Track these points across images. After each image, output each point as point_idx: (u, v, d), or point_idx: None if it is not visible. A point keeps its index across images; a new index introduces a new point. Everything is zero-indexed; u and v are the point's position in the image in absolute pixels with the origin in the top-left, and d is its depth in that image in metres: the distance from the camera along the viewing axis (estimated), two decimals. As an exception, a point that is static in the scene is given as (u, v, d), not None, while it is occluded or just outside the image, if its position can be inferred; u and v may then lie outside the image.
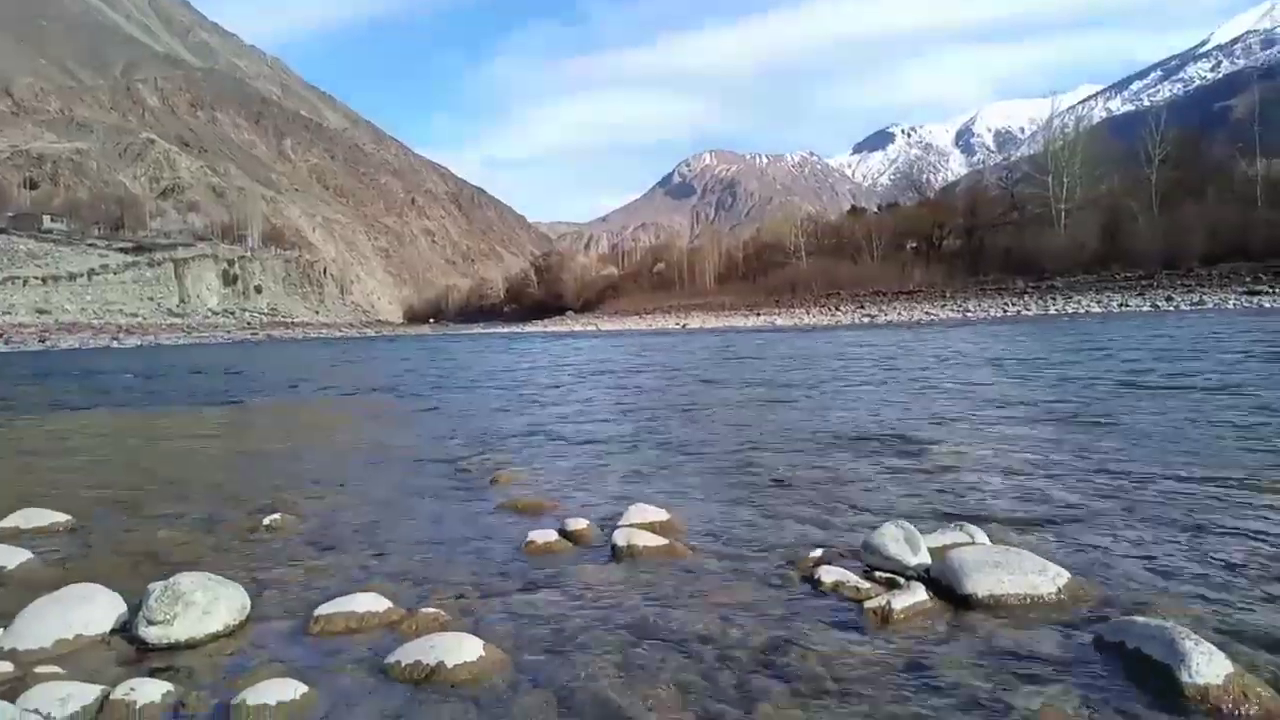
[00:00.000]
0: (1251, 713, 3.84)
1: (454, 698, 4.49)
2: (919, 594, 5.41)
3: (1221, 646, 4.27)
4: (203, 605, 5.37)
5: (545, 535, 7.41)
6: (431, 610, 5.66)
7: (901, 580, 5.71)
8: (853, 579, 5.86)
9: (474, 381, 28.58)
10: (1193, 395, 14.70)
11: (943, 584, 5.59)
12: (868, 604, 5.33)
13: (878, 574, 5.94)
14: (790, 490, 8.99)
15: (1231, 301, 59.13)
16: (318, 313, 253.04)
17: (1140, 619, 4.61)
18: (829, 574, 5.94)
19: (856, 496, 8.50)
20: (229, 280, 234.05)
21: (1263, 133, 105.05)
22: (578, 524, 7.70)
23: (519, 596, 6.07)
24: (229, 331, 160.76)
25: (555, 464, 11.46)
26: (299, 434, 16.66)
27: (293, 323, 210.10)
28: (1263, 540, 6.31)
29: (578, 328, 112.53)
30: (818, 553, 6.48)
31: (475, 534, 7.94)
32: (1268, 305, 54.20)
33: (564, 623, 5.48)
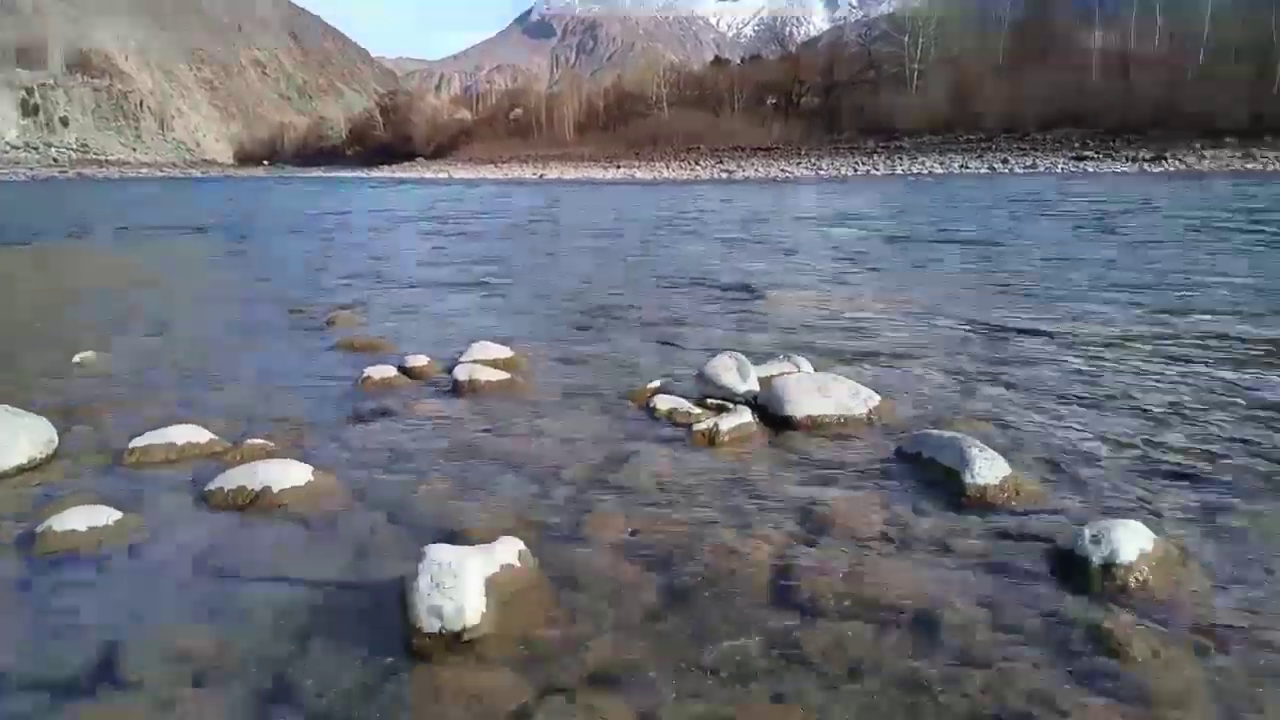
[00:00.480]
0: (1020, 504, 4.35)
1: (280, 521, 4.44)
2: (745, 417, 5.71)
3: (1003, 453, 4.76)
4: (1, 439, 5.00)
5: (383, 371, 7.27)
6: (258, 441, 5.50)
7: (731, 406, 6.00)
8: (686, 406, 6.10)
9: (315, 226, 27.08)
10: (1003, 249, 15.83)
11: (768, 409, 5.92)
12: (696, 426, 5.59)
13: (710, 401, 6.21)
14: (633, 329, 9.16)
15: (1060, 166, 62.92)
16: (135, 150, 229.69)
17: (934, 432, 5.06)
18: (664, 403, 6.16)
19: (696, 335, 8.76)
20: (29, 110, 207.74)
21: (1102, 3, 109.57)
22: (418, 361, 7.59)
23: (354, 428, 5.99)
24: (32, 168, 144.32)
25: (398, 306, 11.16)
26: (117, 275, 15.40)
27: (107, 160, 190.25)
28: (1049, 368, 7.00)
29: (428, 175, 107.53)
30: (655, 384, 6.69)
31: (309, 372, 7.70)
32: (1091, 170, 58.25)
33: (400, 450, 5.47)
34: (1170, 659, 3.06)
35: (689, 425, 5.70)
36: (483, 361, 7.38)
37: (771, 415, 5.85)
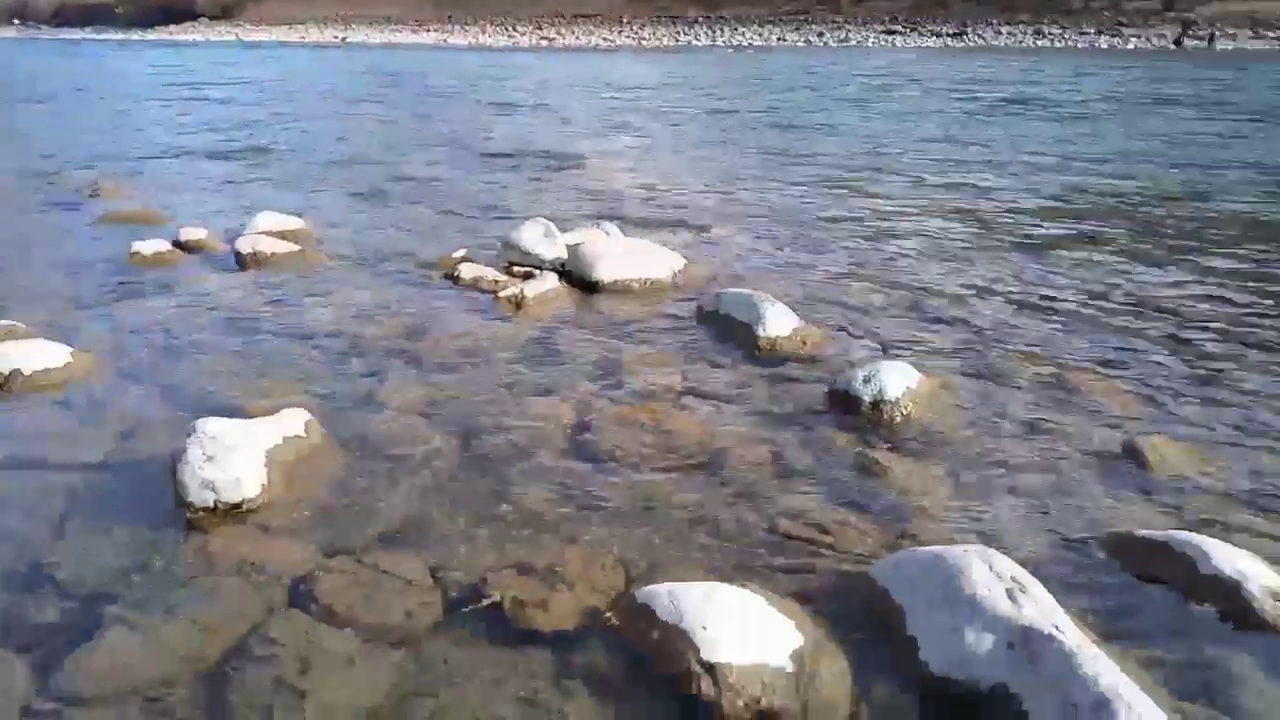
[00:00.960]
0: (807, 353, 4.61)
1: (36, 406, 4.01)
2: (551, 282, 5.65)
3: (795, 308, 4.98)
4: None
5: (156, 246, 6.61)
6: (6, 323, 4.89)
7: (537, 272, 5.91)
8: (492, 274, 5.96)
9: (80, 94, 23.84)
10: (814, 126, 16.30)
11: (575, 274, 5.88)
12: (502, 293, 5.48)
13: (517, 269, 6.09)
14: (438, 198, 8.77)
15: (871, 40, 64.93)
16: None
17: (732, 290, 5.22)
18: (469, 270, 5.99)
19: (504, 203, 8.52)
20: None
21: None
22: (195, 233, 6.95)
23: (122, 306, 5.44)
24: None
25: (174, 177, 10.11)
26: None
27: None
28: (843, 233, 7.36)
29: (212, 37, 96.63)
30: (460, 253, 6.47)
31: (70, 247, 6.88)
32: (899, 44, 60.47)
33: (175, 327, 5.04)
34: (925, 480, 3.37)
35: (494, 292, 5.58)
36: (269, 233, 6.85)
37: (579, 280, 5.83)
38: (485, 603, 2.58)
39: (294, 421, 3.56)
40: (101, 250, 6.70)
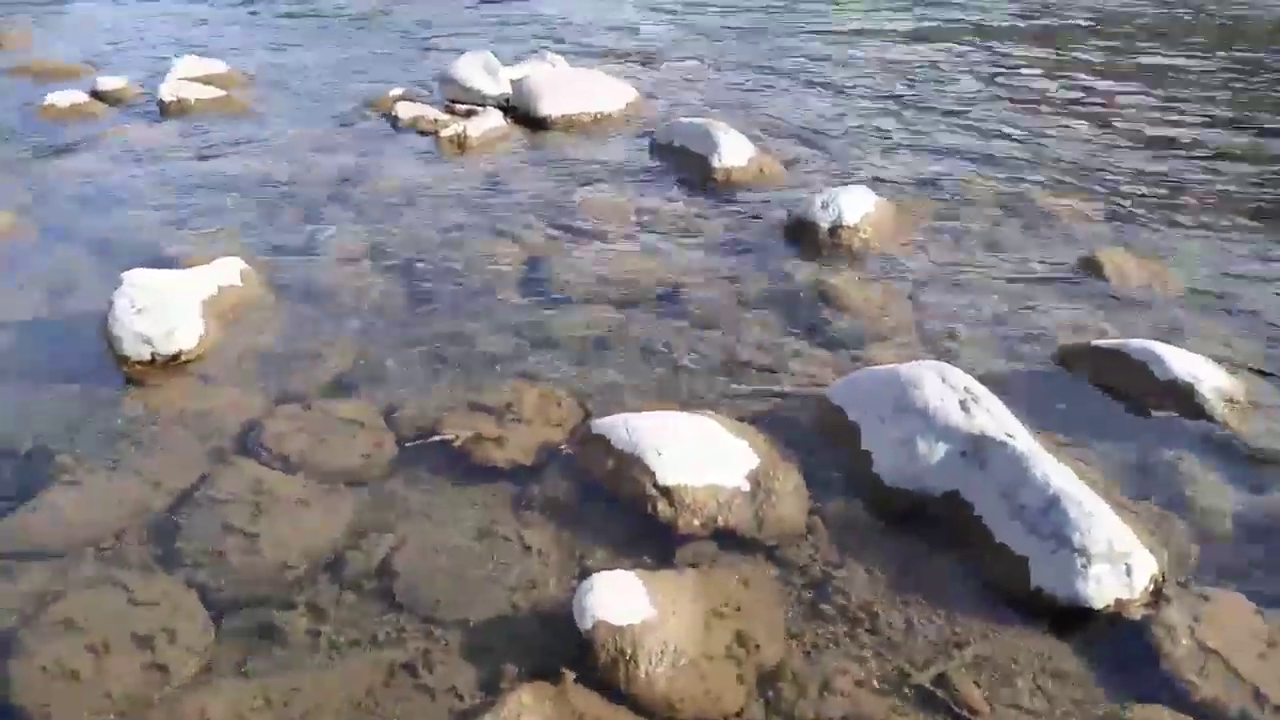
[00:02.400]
0: (763, 182, 4.46)
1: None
2: (495, 119, 5.36)
3: (751, 138, 4.79)
4: None
5: (71, 97, 6.11)
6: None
7: (480, 109, 5.59)
8: (432, 113, 5.63)
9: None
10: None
11: (521, 110, 5.58)
12: (444, 132, 5.19)
13: (458, 106, 5.75)
14: (372, 34, 8.20)
15: None
16: None
17: (686, 120, 4.99)
18: (407, 110, 5.64)
19: (442, 37, 7.97)
20: None
21: None
22: (114, 83, 6.43)
23: (40, 163, 5.07)
24: None
25: (85, 23, 9.31)
26: None
27: None
28: (800, 62, 7.02)
29: None
30: (397, 92, 6.08)
31: (-28, 102, 6.38)
32: None
33: (98, 182, 4.73)
34: (883, 304, 3.33)
35: (435, 133, 5.28)
36: (192, 79, 6.36)
37: (524, 116, 5.53)
38: (437, 438, 2.54)
39: (229, 271, 3.39)
40: (10, 104, 6.20)
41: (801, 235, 3.81)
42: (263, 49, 7.75)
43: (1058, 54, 6.97)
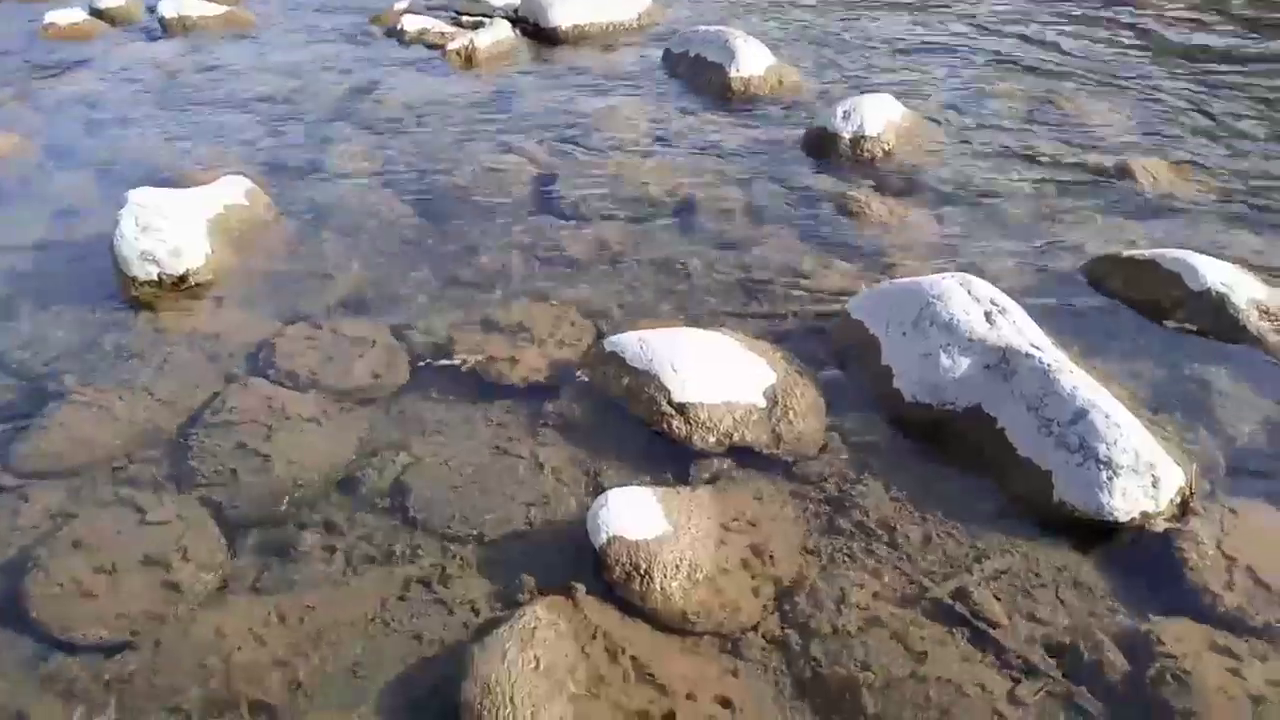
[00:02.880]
0: (782, 93, 4.29)
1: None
2: (504, 31, 5.18)
3: (770, 47, 4.59)
4: None
5: (71, 16, 5.99)
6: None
7: (488, 21, 5.40)
8: (439, 26, 5.46)
9: None
10: None
11: (530, 21, 5.39)
12: (450, 46, 5.02)
13: (465, 19, 5.58)
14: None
15: None
16: None
17: (702, 28, 4.78)
18: (413, 23, 5.47)
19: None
20: None
21: None
22: (113, 1, 6.28)
23: (42, 83, 4.98)
24: None
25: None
26: None
27: None
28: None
29: None
30: (402, 4, 5.90)
31: (-28, 22, 6.24)
32: None
33: (101, 102, 4.64)
34: (907, 217, 3.22)
35: (442, 46, 5.12)
36: (194, -7, 6.19)
37: (533, 28, 5.34)
38: (450, 361, 2.50)
39: (234, 190, 3.33)
40: (9, 25, 6.07)
41: (822, 147, 3.67)
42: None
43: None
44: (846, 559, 1.89)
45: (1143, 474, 1.86)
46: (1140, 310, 2.61)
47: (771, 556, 1.88)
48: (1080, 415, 1.93)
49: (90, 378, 2.51)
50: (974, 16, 5.33)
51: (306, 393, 2.44)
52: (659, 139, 3.94)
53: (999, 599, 1.77)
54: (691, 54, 4.64)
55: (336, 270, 3.02)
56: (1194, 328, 2.51)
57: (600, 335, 2.61)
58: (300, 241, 3.23)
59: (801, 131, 3.85)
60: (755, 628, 1.74)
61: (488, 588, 1.84)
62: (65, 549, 1.93)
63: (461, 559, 1.92)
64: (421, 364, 2.53)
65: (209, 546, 1.96)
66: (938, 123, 3.89)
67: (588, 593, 1.77)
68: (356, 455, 2.24)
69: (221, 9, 5.96)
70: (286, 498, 2.13)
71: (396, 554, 1.95)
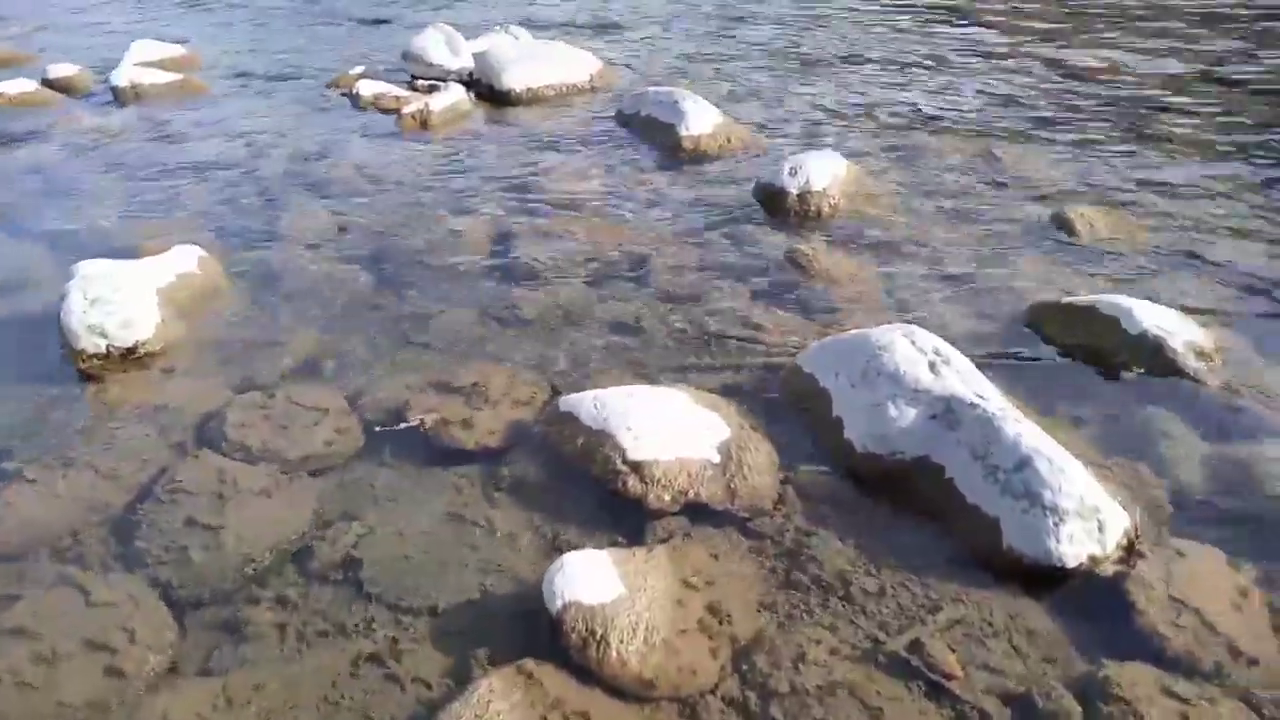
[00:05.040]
0: (731, 150, 4.39)
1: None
2: (458, 94, 5.25)
3: (719, 105, 4.71)
4: None
5: (21, 86, 5.97)
6: None
7: (442, 84, 5.49)
8: (394, 90, 5.52)
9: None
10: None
11: (484, 84, 5.48)
12: (405, 110, 5.08)
13: (420, 83, 5.65)
14: (331, 11, 8.03)
15: None
16: None
17: (652, 89, 4.90)
18: (368, 88, 5.53)
19: (401, 13, 7.82)
20: None
21: None
22: (65, 70, 6.26)
23: (-11, 153, 4.95)
24: None
25: (28, 10, 9.07)
26: None
27: None
28: (766, 34, 6.94)
29: None
30: (358, 69, 5.97)
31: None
32: None
33: (51, 172, 4.61)
34: (853, 269, 3.30)
35: (398, 110, 5.18)
36: (147, 63, 6.21)
37: (488, 90, 5.44)
38: (404, 425, 2.49)
39: (186, 259, 3.31)
40: (-43, 95, 6.02)
41: (770, 202, 3.76)
42: (221, 31, 7.59)
43: (1015, 9, 6.91)
44: (804, 614, 1.90)
45: (1088, 518, 1.90)
46: (1081, 356, 2.68)
47: (729, 615, 1.87)
48: (1025, 462, 1.97)
49: (35, 455, 2.46)
50: (915, 73, 5.52)
51: (258, 464, 2.40)
52: (612, 198, 4.01)
53: (953, 649, 1.78)
54: (643, 114, 4.75)
55: (289, 337, 3.00)
56: (1134, 371, 2.58)
57: (555, 395, 2.62)
58: (253, 309, 3.21)
59: (750, 188, 3.93)
60: (714, 689, 1.73)
61: (441, 661, 1.81)
62: (5, 637, 1.87)
63: (415, 632, 1.89)
64: (376, 430, 2.51)
65: (157, 627, 1.91)
66: (881, 176, 4.00)
67: (544, 661, 1.75)
68: (309, 527, 2.21)
69: (175, 77, 5.99)
70: (237, 573, 2.08)
71: (349, 629, 1.92)
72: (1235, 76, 5.04)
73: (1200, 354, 2.58)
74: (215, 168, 4.55)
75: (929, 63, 5.70)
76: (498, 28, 6.37)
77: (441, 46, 5.71)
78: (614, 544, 2.07)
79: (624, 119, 4.88)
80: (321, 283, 3.37)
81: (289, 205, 4.07)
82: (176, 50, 6.63)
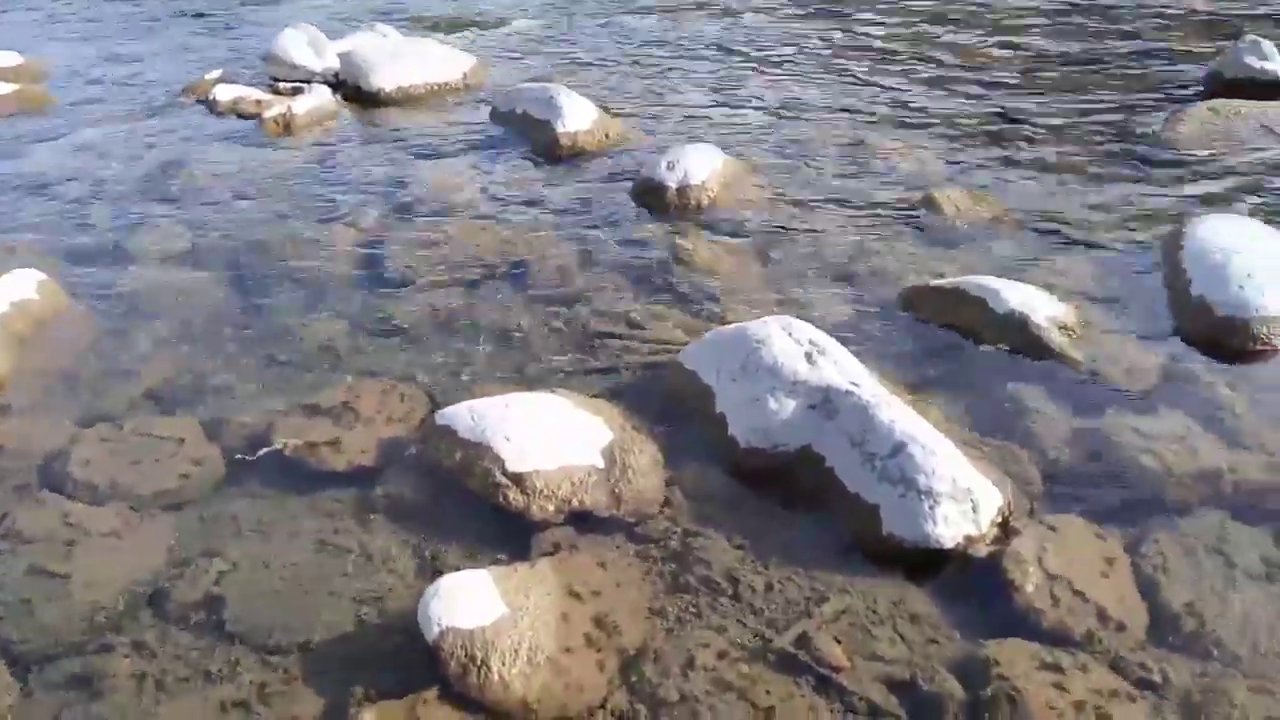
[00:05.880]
0: (610, 146, 4.33)
1: None
2: (323, 96, 5.03)
3: (598, 101, 4.64)
4: None
5: None
6: None
7: (307, 86, 5.24)
8: (254, 94, 5.23)
9: None
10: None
11: (351, 84, 5.26)
12: (267, 114, 4.82)
13: (283, 85, 5.38)
14: (185, 13, 7.59)
15: None
16: None
17: (528, 85, 4.81)
18: (227, 93, 5.23)
19: (262, 13, 7.44)
20: None
21: None
22: (-119, 80, 5.73)
23: None
24: None
25: None
26: None
27: None
28: (641, 24, 6.89)
29: None
30: (215, 73, 5.64)
31: None
32: None
33: None
34: (733, 261, 3.30)
35: (258, 115, 4.91)
36: (-22, 71, 5.73)
37: (355, 91, 5.22)
38: (265, 450, 2.34)
39: (24, 284, 3.05)
40: None
41: (650, 197, 3.72)
42: (65, 38, 7.05)
43: (890, 4, 7.10)
44: (692, 618, 1.87)
45: (961, 500, 1.93)
46: (953, 336, 2.75)
47: (616, 626, 1.83)
48: (899, 448, 1.99)
49: None
50: (793, 66, 5.58)
51: (106, 504, 2.23)
52: (489, 199, 3.90)
53: (839, 641, 1.79)
54: (518, 111, 4.64)
55: (140, 363, 2.80)
56: (1002, 349, 2.66)
57: (434, 408, 2.52)
58: (101, 335, 2.98)
59: (630, 183, 3.89)
60: (603, 704, 1.69)
61: (314, 701, 1.71)
62: None
63: (285, 672, 1.78)
64: (237, 458, 2.36)
65: (-9, 693, 1.74)
66: (758, 168, 4.02)
67: (424, 692, 1.67)
68: (165, 567, 2.06)
69: (11, 87, 5.53)
70: (87, 623, 1.93)
71: (213, 674, 1.80)
72: (1097, 65, 5.28)
73: (1063, 329, 2.68)
74: (57, 183, 4.22)
75: (806, 55, 5.77)
76: (364, 26, 6.14)
77: (304, 47, 5.45)
78: (496, 561, 2.00)
79: (499, 117, 4.77)
80: (176, 302, 3.15)
81: (140, 219, 3.81)
82: (13, 58, 6.12)
